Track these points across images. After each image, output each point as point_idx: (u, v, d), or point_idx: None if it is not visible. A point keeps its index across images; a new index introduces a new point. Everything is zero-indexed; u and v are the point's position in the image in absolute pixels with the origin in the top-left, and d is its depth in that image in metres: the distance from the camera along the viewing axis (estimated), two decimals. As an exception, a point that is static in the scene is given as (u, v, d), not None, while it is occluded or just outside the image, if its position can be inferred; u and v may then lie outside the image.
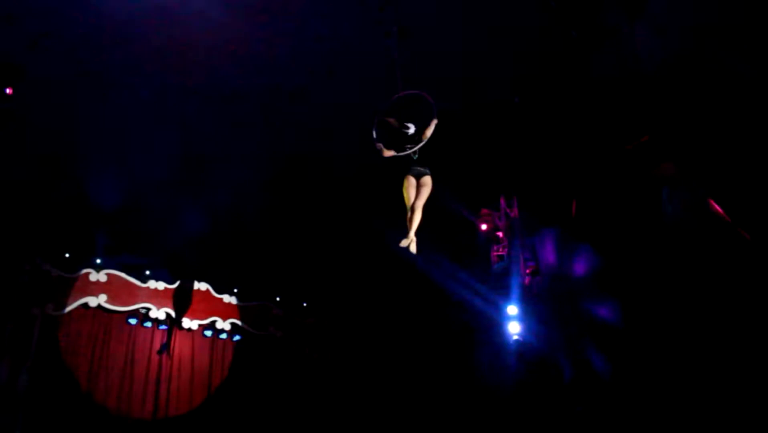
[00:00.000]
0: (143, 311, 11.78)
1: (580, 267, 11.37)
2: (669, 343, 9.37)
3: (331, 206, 13.03)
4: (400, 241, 7.15)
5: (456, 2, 8.55)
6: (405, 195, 7.40)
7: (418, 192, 7.37)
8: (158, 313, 11.86)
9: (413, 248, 7.16)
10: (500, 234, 12.82)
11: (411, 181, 7.42)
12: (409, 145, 7.44)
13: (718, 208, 8.74)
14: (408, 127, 7.49)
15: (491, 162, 12.09)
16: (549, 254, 12.09)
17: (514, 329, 12.07)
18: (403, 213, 7.50)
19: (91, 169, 11.22)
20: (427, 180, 7.44)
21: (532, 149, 11.96)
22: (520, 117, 11.26)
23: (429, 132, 7.39)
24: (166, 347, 11.85)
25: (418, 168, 7.46)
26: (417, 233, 7.25)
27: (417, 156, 7.44)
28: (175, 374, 11.83)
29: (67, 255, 11.23)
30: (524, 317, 12.14)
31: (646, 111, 9.70)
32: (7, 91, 10.18)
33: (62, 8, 8.13)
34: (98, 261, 11.49)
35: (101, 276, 11.43)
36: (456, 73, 9.71)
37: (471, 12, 8.69)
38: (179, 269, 12.45)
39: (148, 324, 11.82)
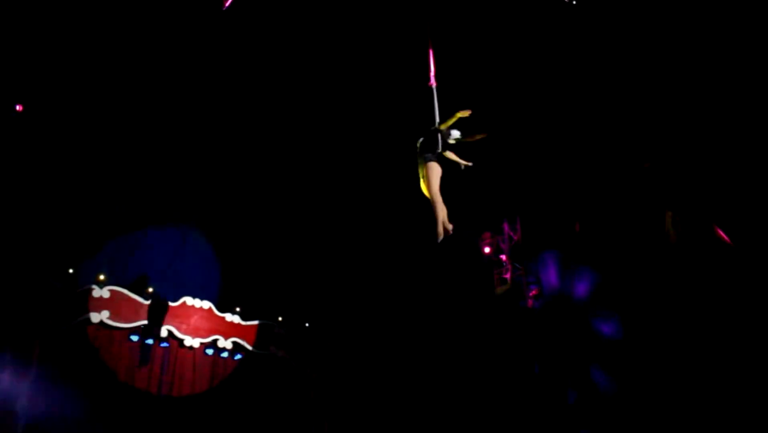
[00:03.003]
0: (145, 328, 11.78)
1: (582, 287, 11.39)
2: (670, 354, 9.40)
3: (335, 227, 13.09)
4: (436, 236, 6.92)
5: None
6: (430, 182, 7.00)
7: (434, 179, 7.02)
8: (160, 330, 11.85)
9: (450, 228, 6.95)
10: (503, 257, 12.82)
11: (436, 170, 7.08)
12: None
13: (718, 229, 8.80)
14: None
15: (495, 185, 12.14)
16: (551, 277, 12.09)
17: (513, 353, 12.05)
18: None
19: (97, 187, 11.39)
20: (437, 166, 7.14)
21: (537, 173, 12.02)
22: (524, 141, 11.35)
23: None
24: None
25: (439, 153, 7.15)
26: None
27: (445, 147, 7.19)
28: (176, 391, 11.80)
29: (70, 270, 11.26)
30: (522, 342, 12.12)
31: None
32: (17, 108, 10.36)
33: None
34: (102, 277, 11.51)
35: (104, 292, 11.43)
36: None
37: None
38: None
39: (150, 341, 11.80)
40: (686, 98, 9.65)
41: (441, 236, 6.90)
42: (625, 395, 10.07)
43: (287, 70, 10.83)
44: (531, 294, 12.48)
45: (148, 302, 11.87)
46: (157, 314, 11.86)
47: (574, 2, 9.47)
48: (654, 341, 9.65)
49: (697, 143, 9.69)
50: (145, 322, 11.72)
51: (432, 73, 7.57)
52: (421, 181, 7.17)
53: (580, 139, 11.17)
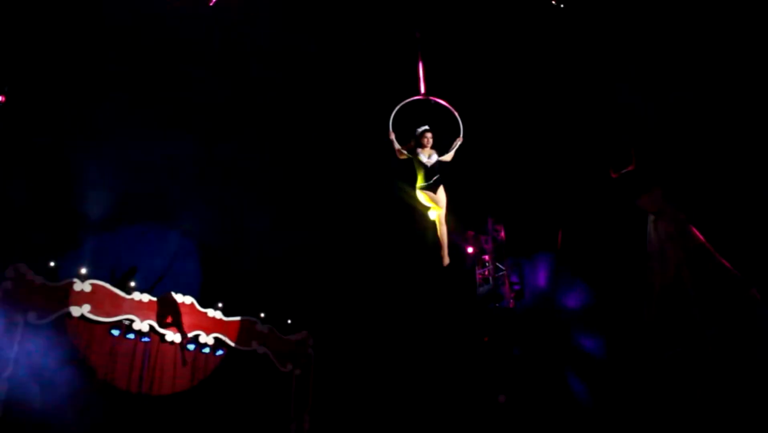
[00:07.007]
0: (126, 322, 11.70)
1: (572, 300, 11.46)
2: (649, 380, 9.48)
3: (319, 224, 13.10)
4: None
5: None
6: (430, 206, 7.23)
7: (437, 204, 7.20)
8: (141, 325, 11.78)
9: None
10: (486, 257, 12.88)
11: (430, 195, 7.18)
12: (424, 158, 7.19)
13: (699, 235, 8.89)
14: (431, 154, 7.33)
15: (479, 184, 12.19)
16: (540, 279, 12.17)
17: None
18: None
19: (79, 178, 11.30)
20: (440, 190, 7.24)
21: (522, 174, 12.09)
22: (508, 140, 11.42)
23: (451, 154, 7.37)
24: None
25: (434, 179, 7.19)
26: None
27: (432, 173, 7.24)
28: (156, 387, 11.75)
29: (51, 263, 11.16)
30: (504, 342, 12.19)
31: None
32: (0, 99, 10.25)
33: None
34: (83, 271, 11.42)
35: (85, 286, 11.35)
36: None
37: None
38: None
39: (131, 336, 11.73)
40: (671, 104, 9.76)
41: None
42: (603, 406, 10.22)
43: (281, 69, 10.85)
44: (513, 294, 12.55)
45: (129, 297, 11.81)
46: (139, 308, 11.82)
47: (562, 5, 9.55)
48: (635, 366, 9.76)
49: (680, 148, 9.80)
50: (127, 316, 11.66)
51: (422, 86, 7.62)
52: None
53: (565, 141, 11.26)
